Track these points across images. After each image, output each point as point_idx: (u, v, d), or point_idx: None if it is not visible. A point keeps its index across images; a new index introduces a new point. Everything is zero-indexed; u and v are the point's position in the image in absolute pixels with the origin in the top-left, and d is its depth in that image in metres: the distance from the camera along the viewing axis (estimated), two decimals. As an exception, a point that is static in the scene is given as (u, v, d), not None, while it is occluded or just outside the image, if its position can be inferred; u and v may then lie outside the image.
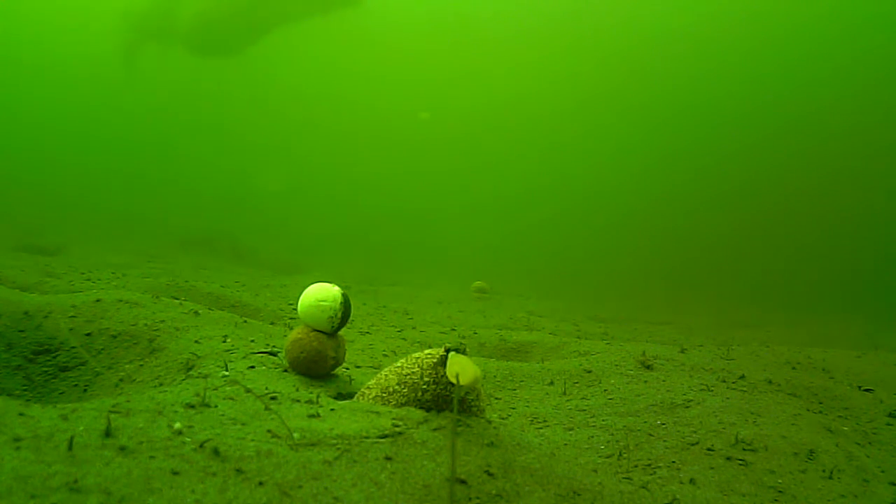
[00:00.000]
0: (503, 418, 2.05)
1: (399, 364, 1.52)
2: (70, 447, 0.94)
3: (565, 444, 1.75)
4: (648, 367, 2.59)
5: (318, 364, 1.85)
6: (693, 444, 1.72)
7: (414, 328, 3.69)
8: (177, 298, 3.13)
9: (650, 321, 6.71)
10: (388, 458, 1.12)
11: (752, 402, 2.15)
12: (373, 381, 1.56)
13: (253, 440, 1.10)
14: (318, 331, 1.87)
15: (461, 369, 1.28)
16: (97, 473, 0.88)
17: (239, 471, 0.98)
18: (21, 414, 1.04)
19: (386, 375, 1.52)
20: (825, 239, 17.95)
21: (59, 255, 8.00)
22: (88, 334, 2.18)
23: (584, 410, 2.10)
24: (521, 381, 2.50)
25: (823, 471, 1.62)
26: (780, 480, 1.53)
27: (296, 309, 3.73)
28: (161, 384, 1.81)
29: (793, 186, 21.47)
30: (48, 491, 0.81)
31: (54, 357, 2.07)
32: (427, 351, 1.50)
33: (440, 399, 1.43)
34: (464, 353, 1.42)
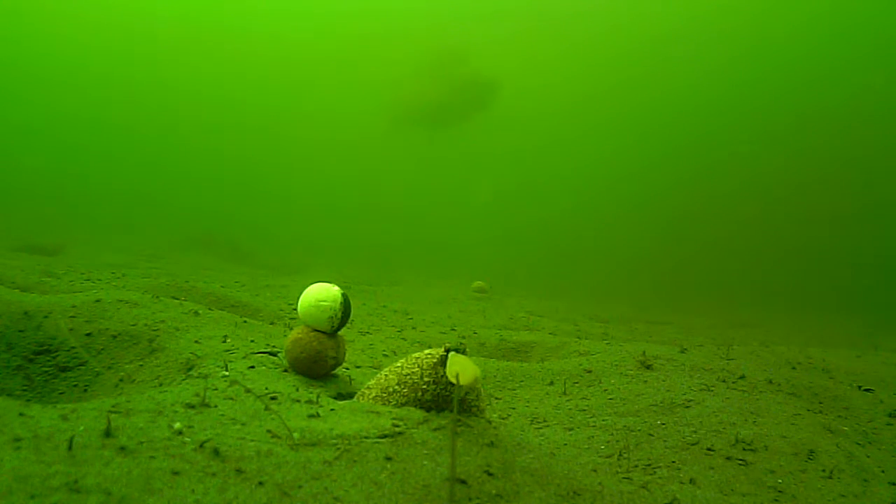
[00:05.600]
0: (503, 418, 2.05)
1: (399, 364, 1.52)
2: (70, 447, 0.94)
3: (565, 444, 1.75)
4: (648, 367, 2.59)
5: (318, 364, 1.85)
6: (693, 444, 1.72)
7: (414, 328, 3.69)
8: (177, 298, 3.13)
9: (650, 321, 6.71)
10: (388, 458, 1.12)
11: (752, 402, 2.15)
12: (373, 381, 1.56)
13: (253, 440, 1.10)
14: (318, 331, 1.87)
15: (461, 369, 1.28)
16: (97, 473, 0.88)
17: (239, 471, 0.98)
18: (21, 414, 1.04)
19: (386, 375, 1.52)
20: (825, 239, 17.94)
21: (59, 255, 8.00)
22: (88, 334, 2.18)
23: (584, 410, 2.10)
24: (521, 381, 2.50)
25: (823, 471, 1.62)
26: (780, 480, 1.53)
27: (296, 309, 3.73)
28: (161, 384, 1.81)
29: (793, 186, 21.46)
30: (48, 491, 0.81)
31: (54, 357, 2.07)
32: (427, 351, 1.50)
33: (440, 399, 1.43)
34: (464, 353, 1.42)
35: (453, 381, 1.27)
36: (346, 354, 2.48)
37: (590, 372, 2.56)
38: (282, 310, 3.85)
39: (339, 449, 1.12)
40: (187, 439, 1.05)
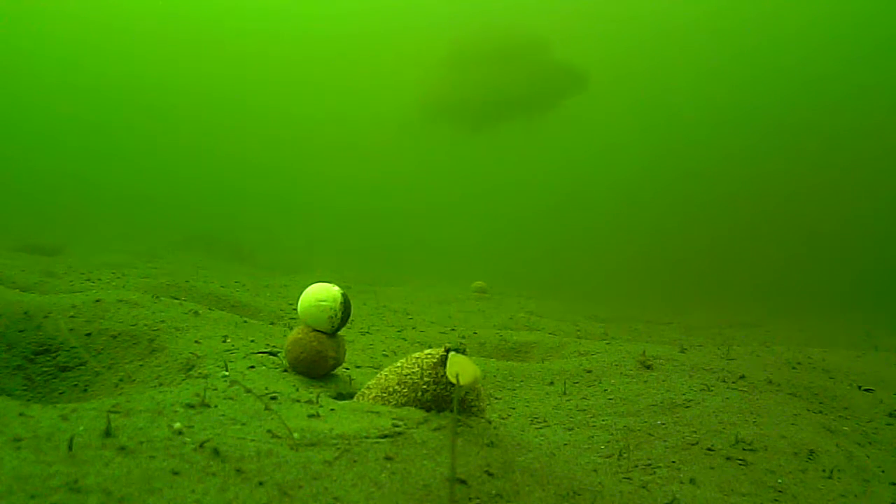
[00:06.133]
0: (503, 418, 2.05)
1: (399, 364, 1.52)
2: (70, 447, 0.94)
3: (565, 444, 1.75)
4: (648, 367, 2.59)
5: (318, 364, 1.85)
6: (693, 444, 1.72)
7: (414, 328, 3.69)
8: (177, 298, 3.13)
9: (650, 321, 6.71)
10: (388, 458, 1.12)
11: (752, 402, 2.15)
12: (373, 381, 1.56)
13: (253, 440, 1.10)
14: (318, 331, 1.87)
15: (461, 369, 1.28)
16: (97, 473, 0.88)
17: (239, 471, 0.98)
18: (21, 414, 1.04)
19: (386, 375, 1.52)
20: (825, 238, 17.95)
21: (59, 255, 8.00)
22: (88, 334, 2.18)
23: (584, 410, 2.10)
24: (521, 381, 2.50)
25: (823, 471, 1.62)
26: (780, 480, 1.53)
27: (296, 309, 3.73)
28: (161, 384, 1.81)
29: (793, 185, 21.47)
30: (48, 491, 0.81)
31: (54, 357, 2.07)
32: (427, 351, 1.50)
33: (440, 399, 1.43)
34: (464, 353, 1.42)
35: (453, 381, 1.27)
36: (346, 354, 2.48)
37: (590, 372, 2.56)
38: (282, 310, 3.85)
39: (339, 449, 1.12)
40: (187, 439, 1.05)
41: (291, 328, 2.88)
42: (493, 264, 16.68)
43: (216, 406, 1.29)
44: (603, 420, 1.97)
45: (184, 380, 1.71)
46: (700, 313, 8.58)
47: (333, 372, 1.99)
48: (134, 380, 1.92)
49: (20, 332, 2.14)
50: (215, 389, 1.46)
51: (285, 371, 1.87)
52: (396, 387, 1.47)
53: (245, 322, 2.66)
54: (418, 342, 3.17)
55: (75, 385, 1.97)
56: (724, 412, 1.99)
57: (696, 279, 14.97)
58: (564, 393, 2.35)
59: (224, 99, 36.23)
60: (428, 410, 1.40)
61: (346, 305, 1.87)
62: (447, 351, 1.42)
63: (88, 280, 4.28)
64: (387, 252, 17.16)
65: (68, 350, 2.10)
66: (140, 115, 34.90)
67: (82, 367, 2.04)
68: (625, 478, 1.45)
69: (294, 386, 1.69)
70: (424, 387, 1.43)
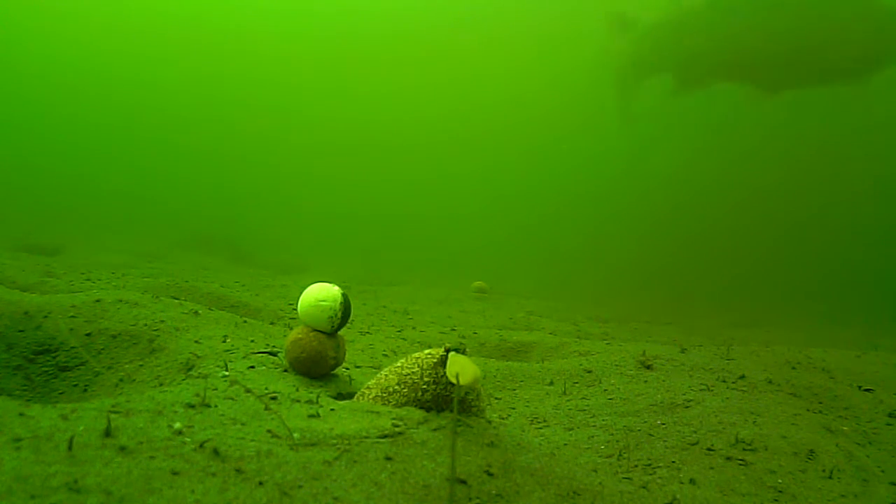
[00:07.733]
0: (503, 418, 2.05)
1: (399, 364, 1.52)
2: (70, 447, 0.94)
3: (565, 444, 1.75)
4: (648, 367, 2.59)
5: (318, 364, 1.85)
6: (693, 444, 1.72)
7: (414, 328, 3.69)
8: (177, 298, 3.13)
9: (650, 321, 6.71)
10: (388, 458, 1.12)
11: (752, 402, 2.15)
12: (373, 381, 1.56)
13: (253, 440, 1.10)
14: (318, 331, 1.87)
15: (461, 369, 1.28)
16: (97, 473, 0.88)
17: (239, 471, 0.98)
18: (21, 414, 1.04)
19: (386, 375, 1.52)
20: (825, 239, 17.94)
21: (59, 255, 8.00)
22: (88, 334, 2.18)
23: (584, 410, 2.10)
24: (521, 381, 2.50)
25: (823, 471, 1.62)
26: (780, 480, 1.53)
27: (296, 309, 3.73)
28: (161, 384, 1.81)
29: (792, 186, 21.44)
30: (48, 491, 0.81)
31: (54, 357, 2.07)
32: (427, 351, 1.50)
33: (440, 399, 1.43)
34: (464, 353, 1.42)
35: (453, 381, 1.27)
36: (346, 354, 2.48)
37: (590, 372, 2.56)
38: (282, 310, 3.85)
39: (339, 449, 1.12)
40: (187, 439, 1.05)
41: (291, 328, 2.88)
42: (494, 264, 16.66)
43: (216, 406, 1.29)
44: (603, 420, 1.97)
45: (184, 380, 1.71)
46: (700, 313, 8.58)
47: (333, 372, 1.99)
48: (134, 380, 1.92)
49: (20, 332, 2.14)
50: (215, 389, 1.46)
51: (285, 371, 1.87)
52: (396, 387, 1.47)
53: (245, 322, 2.66)
54: (418, 342, 3.17)
55: (75, 385, 1.97)
56: (724, 412, 1.99)
57: (696, 279, 14.97)
58: (564, 393, 2.35)
59: (224, 99, 36.24)
60: (428, 410, 1.40)
61: (346, 305, 1.87)
62: (447, 351, 1.42)
63: (88, 280, 4.28)
64: (387, 252, 17.16)
65: (68, 350, 2.10)
66: (140, 115, 34.89)
67: (82, 367, 2.04)
68: (625, 478, 1.45)
69: (294, 386, 1.69)
70: (424, 387, 1.43)
